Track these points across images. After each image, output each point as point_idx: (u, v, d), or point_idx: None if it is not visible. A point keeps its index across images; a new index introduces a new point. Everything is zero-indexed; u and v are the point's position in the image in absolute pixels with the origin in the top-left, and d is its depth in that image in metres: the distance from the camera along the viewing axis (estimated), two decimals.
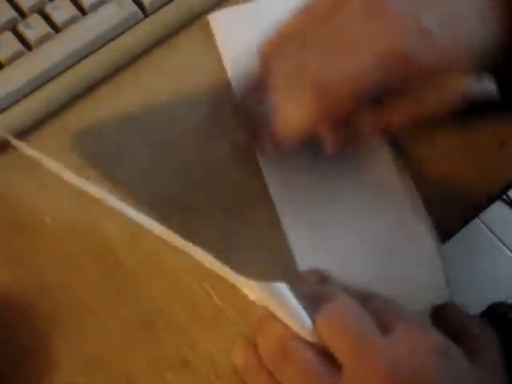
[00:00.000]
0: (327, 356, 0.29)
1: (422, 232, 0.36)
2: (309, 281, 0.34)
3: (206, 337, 0.35)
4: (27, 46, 0.39)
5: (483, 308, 0.97)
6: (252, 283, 0.29)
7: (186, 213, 0.37)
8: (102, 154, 0.39)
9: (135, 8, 0.41)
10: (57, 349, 0.35)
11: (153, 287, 0.36)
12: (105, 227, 0.37)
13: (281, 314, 0.30)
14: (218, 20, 0.42)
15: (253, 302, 0.31)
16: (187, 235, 0.36)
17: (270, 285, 0.29)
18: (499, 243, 1.14)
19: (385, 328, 0.30)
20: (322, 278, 0.34)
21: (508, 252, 1.14)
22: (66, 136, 0.39)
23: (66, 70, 0.40)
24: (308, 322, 0.30)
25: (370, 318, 0.30)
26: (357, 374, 0.28)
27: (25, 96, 0.39)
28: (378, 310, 0.31)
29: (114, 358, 0.34)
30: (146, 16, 0.41)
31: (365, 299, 0.31)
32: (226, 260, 0.35)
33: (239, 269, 0.31)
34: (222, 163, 0.38)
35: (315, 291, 0.32)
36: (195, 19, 0.42)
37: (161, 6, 0.42)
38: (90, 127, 0.39)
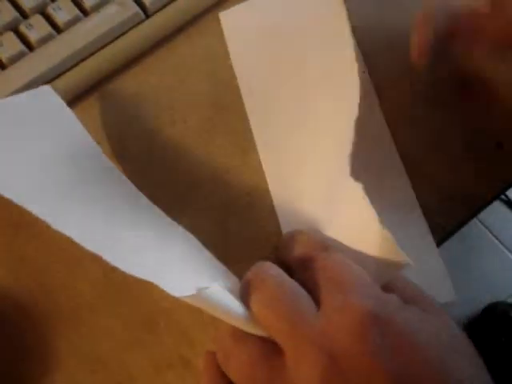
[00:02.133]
0: (271, 345, 0.29)
1: (419, 228, 0.36)
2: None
3: (206, 336, 0.35)
4: (29, 46, 0.40)
5: (482, 307, 0.97)
6: (181, 296, 0.27)
7: (185, 213, 0.37)
8: None
9: (137, 9, 0.41)
10: (58, 348, 0.35)
11: (153, 287, 0.36)
12: None
13: (221, 315, 0.29)
14: (229, 18, 0.42)
15: None
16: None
17: (199, 293, 0.27)
18: (498, 243, 1.14)
19: (318, 302, 0.29)
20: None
21: (506, 252, 1.14)
22: None
23: (67, 70, 0.40)
24: (247, 315, 0.29)
25: (304, 294, 0.29)
26: (297, 360, 0.28)
27: None
28: (315, 279, 0.30)
29: (114, 357, 0.35)
30: (148, 17, 0.42)
31: (310, 261, 0.31)
32: (225, 260, 0.35)
33: (239, 268, 0.31)
34: (222, 163, 0.39)
35: (245, 279, 0.30)
36: (196, 20, 0.43)
37: (162, 7, 0.42)
38: (90, 127, 0.40)
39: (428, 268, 0.35)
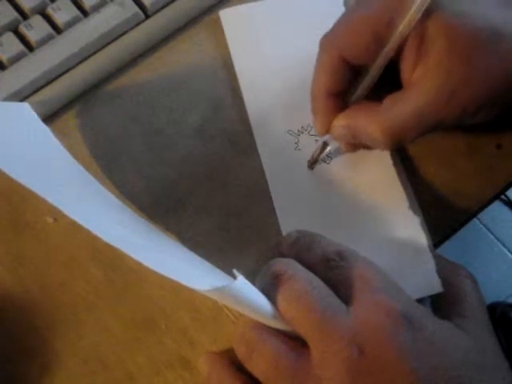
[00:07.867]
0: (297, 338, 0.29)
1: (418, 231, 0.36)
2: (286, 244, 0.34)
3: (205, 336, 0.35)
4: (29, 47, 0.40)
5: None
6: (205, 290, 0.26)
7: (185, 212, 0.37)
8: (102, 153, 0.39)
9: (136, 9, 0.41)
10: (57, 348, 0.35)
11: (153, 287, 0.36)
12: None
13: (244, 310, 0.29)
14: (229, 16, 0.42)
15: None
16: (187, 235, 0.37)
17: (223, 287, 0.26)
18: (498, 243, 1.15)
19: (347, 299, 0.29)
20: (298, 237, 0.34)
21: (506, 252, 1.14)
22: (67, 137, 0.39)
23: (67, 71, 0.40)
24: (272, 310, 0.29)
25: (330, 292, 0.29)
26: (323, 354, 0.28)
27: (26, 97, 0.39)
28: (342, 277, 0.30)
29: (114, 357, 0.35)
30: (147, 17, 0.42)
31: (335, 261, 0.31)
32: (223, 259, 0.35)
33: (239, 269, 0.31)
34: (221, 163, 0.39)
35: (273, 273, 0.30)
36: (196, 20, 0.43)
37: (162, 7, 0.42)
38: (90, 127, 0.40)
39: (415, 260, 0.35)
